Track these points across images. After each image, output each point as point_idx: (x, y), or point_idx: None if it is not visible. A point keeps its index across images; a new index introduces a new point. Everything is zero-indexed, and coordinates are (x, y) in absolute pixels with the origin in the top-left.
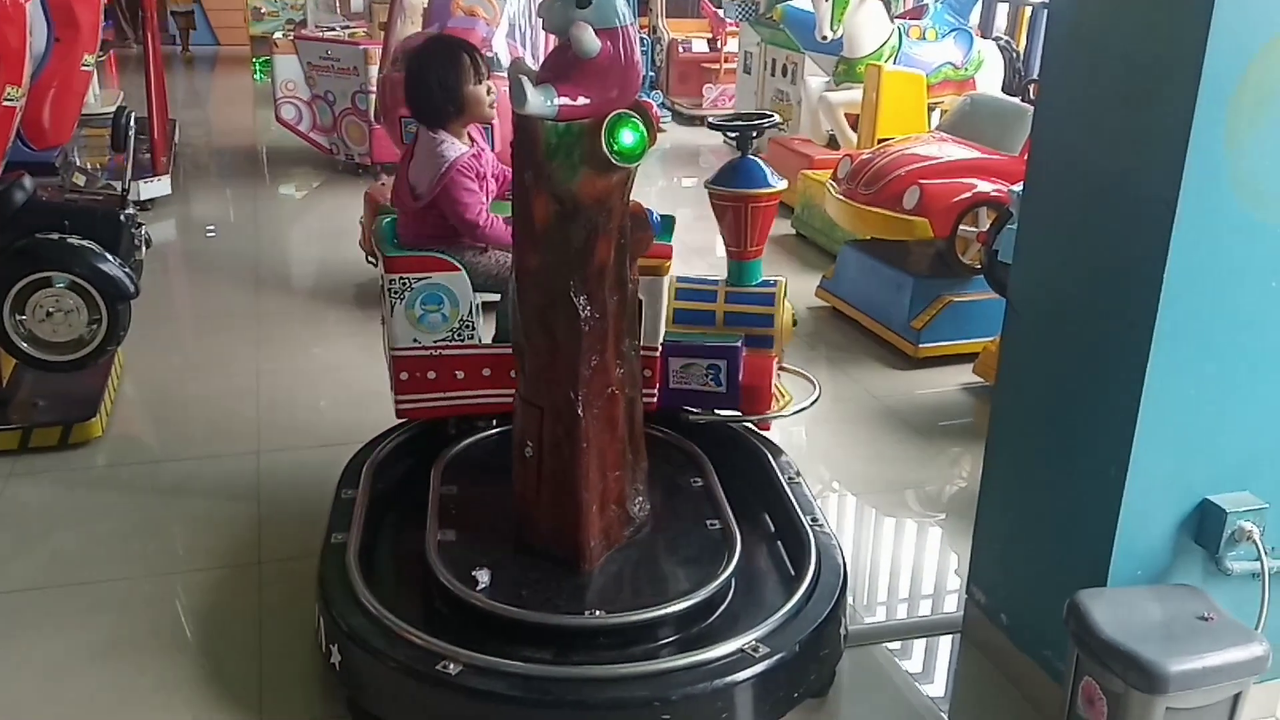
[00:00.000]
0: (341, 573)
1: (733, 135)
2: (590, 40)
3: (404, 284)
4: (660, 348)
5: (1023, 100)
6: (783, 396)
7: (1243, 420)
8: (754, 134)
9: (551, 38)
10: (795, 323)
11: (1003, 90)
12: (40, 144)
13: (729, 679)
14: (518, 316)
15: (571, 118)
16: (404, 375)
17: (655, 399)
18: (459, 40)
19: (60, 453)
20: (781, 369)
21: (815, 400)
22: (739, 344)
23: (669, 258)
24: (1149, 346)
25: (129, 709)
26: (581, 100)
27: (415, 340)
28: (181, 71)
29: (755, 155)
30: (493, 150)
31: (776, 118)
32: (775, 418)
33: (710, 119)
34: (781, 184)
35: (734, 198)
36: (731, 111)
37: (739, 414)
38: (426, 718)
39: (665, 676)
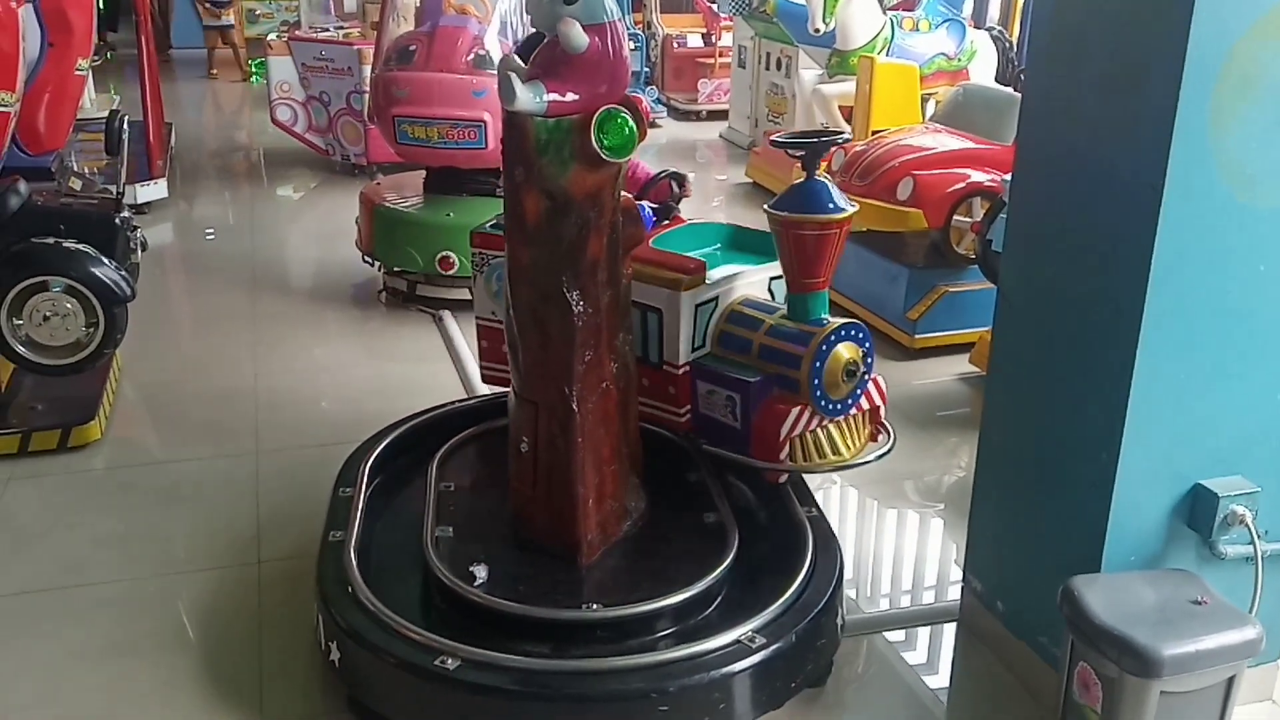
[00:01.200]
0: (340, 570)
1: (796, 154)
2: (578, 36)
3: (482, 258)
4: (687, 366)
5: (1016, 90)
6: (830, 453)
7: (1233, 404)
8: (817, 153)
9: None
10: (851, 374)
11: (996, 80)
12: (35, 149)
13: (726, 670)
14: (510, 313)
15: (561, 113)
16: (484, 343)
17: (686, 417)
18: None
19: (59, 456)
20: (880, 425)
21: (873, 459)
22: (754, 380)
23: (693, 273)
24: (1138, 332)
25: (130, 709)
26: (570, 96)
27: (492, 313)
28: (185, 76)
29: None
30: (485, 147)
31: (846, 133)
32: (774, 468)
33: (775, 137)
34: (847, 209)
35: (784, 223)
36: (797, 130)
37: (750, 459)
38: (426, 713)
39: (662, 668)
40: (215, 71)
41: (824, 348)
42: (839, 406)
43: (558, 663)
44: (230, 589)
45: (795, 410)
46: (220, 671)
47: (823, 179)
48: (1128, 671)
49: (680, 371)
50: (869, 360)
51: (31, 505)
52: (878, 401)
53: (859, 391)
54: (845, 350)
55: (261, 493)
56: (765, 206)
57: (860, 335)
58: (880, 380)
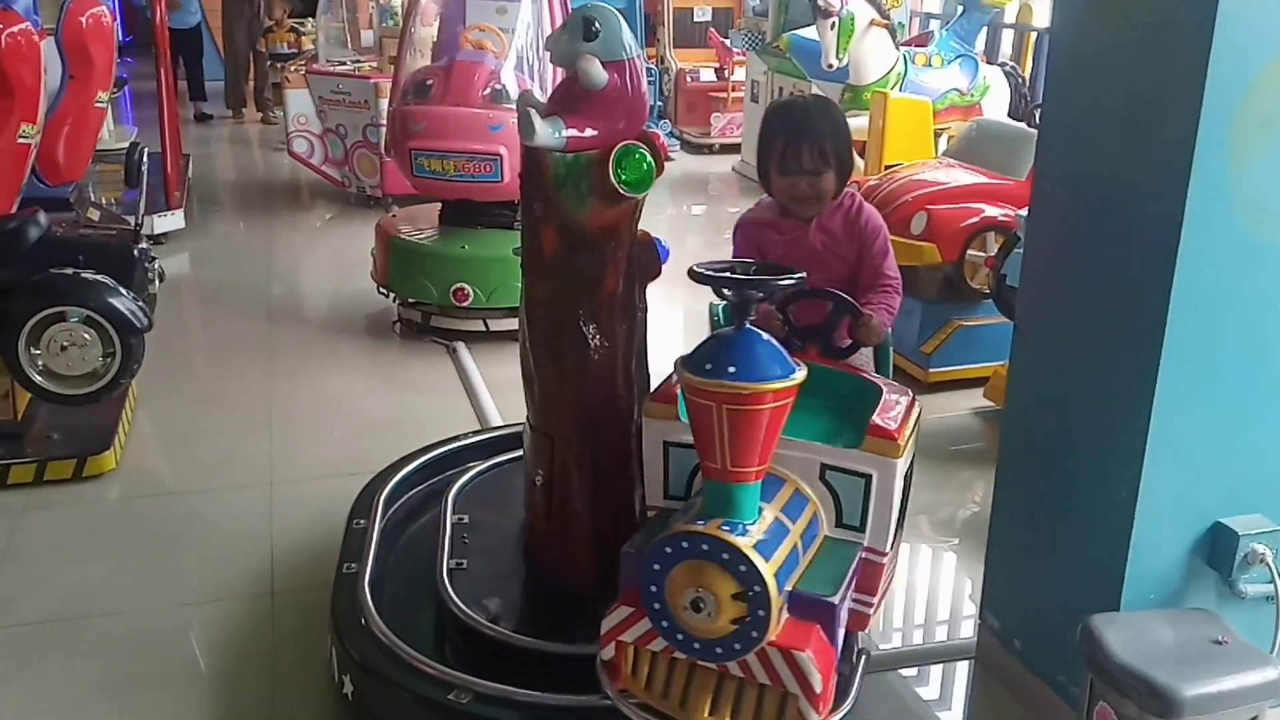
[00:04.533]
0: (354, 603)
1: (727, 294)
2: (597, 72)
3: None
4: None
5: (1029, 125)
6: (678, 706)
7: (1253, 442)
8: (753, 296)
9: (559, 70)
10: (697, 609)
11: (1009, 115)
12: (55, 180)
13: None
14: (527, 345)
15: (579, 149)
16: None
17: None
18: (795, 121)
19: (74, 485)
20: None
21: None
22: (631, 552)
23: (659, 400)
24: (1157, 369)
25: None
26: (589, 131)
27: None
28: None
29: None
30: (501, 181)
31: (801, 274)
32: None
33: (695, 267)
34: (795, 376)
35: (700, 391)
36: (726, 261)
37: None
38: None
39: None
40: None
41: (669, 550)
42: (692, 645)
43: (571, 698)
44: (243, 620)
45: (629, 610)
46: (233, 703)
47: (755, 331)
48: (1148, 712)
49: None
50: (757, 612)
51: (45, 535)
52: (792, 688)
53: (736, 646)
54: (697, 574)
55: (275, 524)
56: (679, 360)
57: (742, 570)
58: (816, 666)
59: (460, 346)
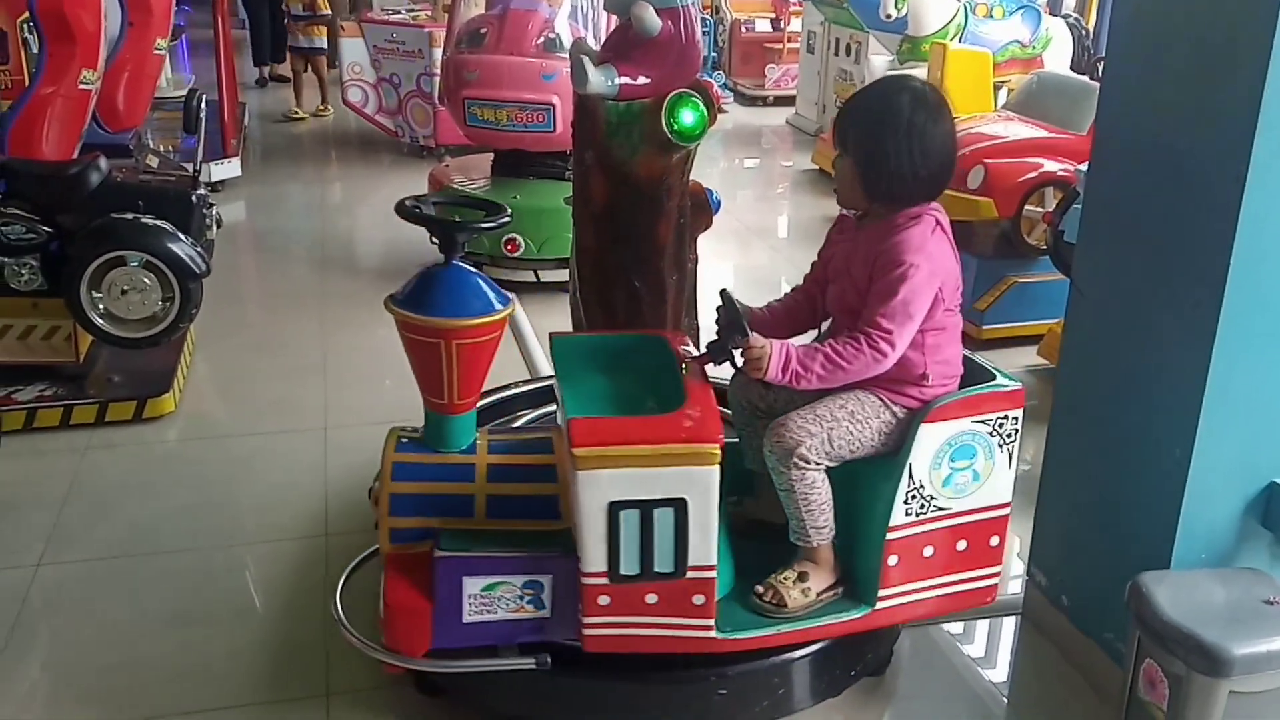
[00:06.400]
0: None
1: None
2: (651, 19)
3: None
4: None
5: (1091, 79)
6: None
7: None
8: (460, 234)
9: (613, 17)
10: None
11: (1071, 69)
12: (114, 126)
13: (786, 656)
14: (577, 295)
15: (632, 97)
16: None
17: None
18: (887, 106)
19: (135, 426)
20: None
21: None
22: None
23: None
24: (1215, 327)
25: (199, 674)
26: (642, 79)
27: None
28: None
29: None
30: (554, 131)
31: (505, 218)
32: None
33: (408, 201)
34: (499, 310)
35: (410, 326)
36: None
37: None
38: (488, 689)
39: (723, 653)
40: (299, 109)
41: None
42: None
43: None
44: (298, 561)
45: None
46: (286, 641)
47: (460, 268)
48: (1196, 670)
49: None
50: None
51: (107, 474)
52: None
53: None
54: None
55: (330, 468)
56: (389, 298)
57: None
58: (385, 592)
59: (511, 297)
